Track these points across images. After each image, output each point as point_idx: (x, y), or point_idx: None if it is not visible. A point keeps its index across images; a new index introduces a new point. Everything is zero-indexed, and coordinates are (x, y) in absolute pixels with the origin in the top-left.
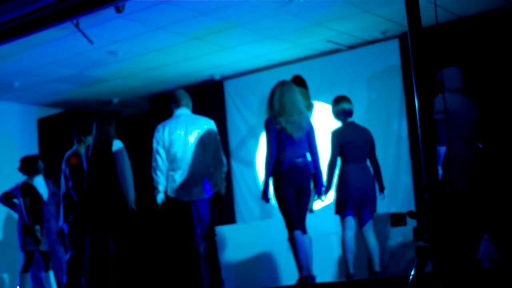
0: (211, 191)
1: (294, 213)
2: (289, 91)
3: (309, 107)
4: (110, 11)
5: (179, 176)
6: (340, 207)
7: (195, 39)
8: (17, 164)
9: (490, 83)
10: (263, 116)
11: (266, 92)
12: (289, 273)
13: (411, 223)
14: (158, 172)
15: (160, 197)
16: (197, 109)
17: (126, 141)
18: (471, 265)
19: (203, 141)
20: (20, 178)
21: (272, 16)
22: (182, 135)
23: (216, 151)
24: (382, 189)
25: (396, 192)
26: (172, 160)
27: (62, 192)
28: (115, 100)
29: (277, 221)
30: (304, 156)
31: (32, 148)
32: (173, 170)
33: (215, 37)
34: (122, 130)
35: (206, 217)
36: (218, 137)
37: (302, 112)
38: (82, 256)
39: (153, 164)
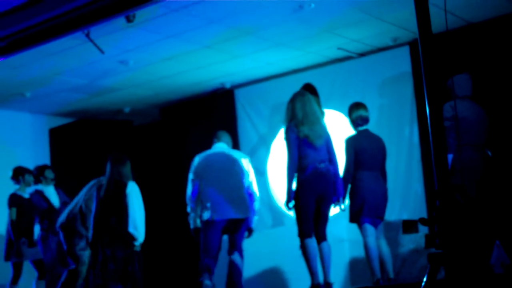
0: (242, 214)
1: (310, 223)
2: (309, 101)
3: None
4: (120, 20)
5: (211, 201)
6: (356, 214)
7: (205, 47)
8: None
9: (500, 90)
10: (274, 124)
11: (277, 100)
12: (301, 280)
13: (423, 230)
14: (192, 199)
15: (193, 222)
16: (208, 118)
17: (138, 150)
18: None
19: (236, 174)
20: (31, 187)
21: (283, 23)
22: (216, 166)
23: (249, 185)
24: (386, 198)
25: (408, 199)
26: (204, 188)
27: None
28: (127, 110)
29: (289, 229)
30: (325, 161)
31: (43, 157)
32: (206, 196)
33: (225, 45)
34: (134, 139)
35: (237, 236)
36: (253, 172)
37: (321, 121)
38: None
39: (187, 193)
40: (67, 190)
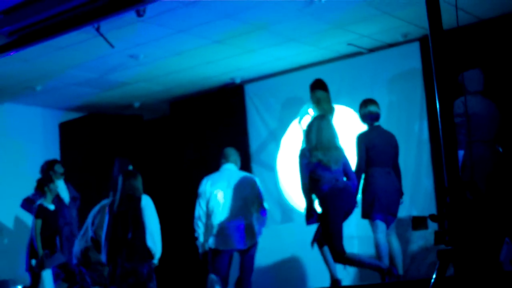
0: (249, 243)
1: (341, 240)
2: (327, 126)
3: (330, 110)
4: (131, 14)
5: (217, 227)
6: (368, 210)
7: (216, 42)
8: (39, 168)
9: (511, 86)
10: (284, 119)
11: (287, 95)
12: (310, 275)
13: (433, 226)
14: (199, 222)
15: (201, 246)
16: (218, 113)
17: (148, 145)
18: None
19: (244, 195)
20: None
21: (293, 18)
22: (223, 188)
23: (258, 206)
24: (401, 194)
25: (418, 196)
26: (211, 212)
27: (90, 234)
28: (137, 104)
29: (298, 224)
30: (341, 180)
31: (53, 152)
32: (212, 221)
33: (236, 40)
34: (143, 134)
35: (246, 266)
36: (262, 192)
37: (338, 147)
38: None
39: (195, 214)
40: (76, 184)
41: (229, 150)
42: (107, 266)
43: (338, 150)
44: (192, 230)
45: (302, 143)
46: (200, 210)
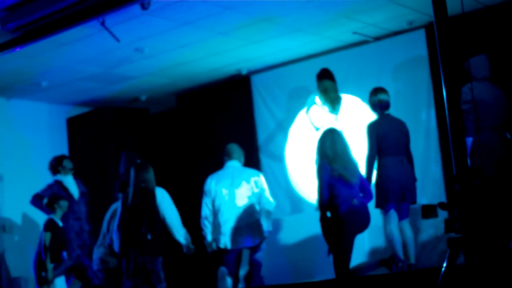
0: (257, 240)
1: (350, 254)
2: (339, 139)
3: (337, 100)
4: (135, 8)
5: (225, 225)
6: (381, 200)
7: (221, 34)
8: (47, 164)
9: None
10: (291, 110)
11: (294, 85)
12: (319, 267)
13: (443, 214)
14: (206, 222)
15: (209, 246)
16: (225, 105)
17: (155, 139)
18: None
19: (249, 192)
20: (50, 178)
21: (298, 9)
22: (228, 186)
23: (264, 202)
24: (414, 180)
25: (426, 184)
26: (218, 210)
27: (107, 240)
28: (143, 98)
29: (307, 215)
30: (359, 197)
31: (61, 147)
32: (219, 219)
33: (241, 32)
34: (150, 128)
35: (256, 261)
36: (267, 188)
37: (351, 158)
38: None
39: (202, 214)
40: (85, 178)
41: (232, 146)
42: (121, 259)
43: (354, 164)
44: (199, 225)
45: (316, 159)
46: (206, 209)
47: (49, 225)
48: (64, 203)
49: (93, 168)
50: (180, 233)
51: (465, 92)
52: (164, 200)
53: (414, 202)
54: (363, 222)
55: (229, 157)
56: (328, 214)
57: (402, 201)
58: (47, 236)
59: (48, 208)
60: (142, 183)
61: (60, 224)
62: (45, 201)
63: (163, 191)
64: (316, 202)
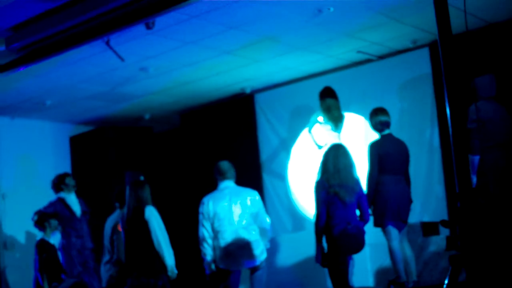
0: (258, 259)
1: (347, 275)
2: (343, 154)
3: (340, 118)
4: (140, 27)
5: (225, 247)
6: (380, 218)
7: (225, 53)
8: (50, 182)
9: None
10: (294, 128)
11: (297, 104)
12: (321, 284)
13: (444, 232)
14: (205, 244)
15: (208, 268)
16: (228, 123)
17: (159, 157)
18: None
19: (247, 212)
20: (53, 196)
21: (302, 28)
22: (226, 206)
23: (261, 221)
24: (410, 202)
25: (429, 202)
26: (217, 232)
27: (113, 257)
28: (147, 116)
29: (309, 233)
30: (354, 220)
31: (65, 166)
32: (219, 241)
33: (245, 51)
34: (154, 146)
35: (256, 281)
36: (263, 207)
37: (353, 175)
38: None
39: (200, 236)
40: (88, 197)
41: (224, 164)
42: (127, 280)
43: (355, 181)
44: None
45: (318, 174)
46: (204, 232)
47: (40, 247)
48: (54, 222)
49: (96, 187)
50: (165, 254)
51: (472, 111)
52: (151, 218)
53: (406, 222)
54: (355, 247)
55: (223, 176)
56: (324, 242)
57: (398, 220)
58: (42, 258)
59: (38, 226)
60: (136, 202)
61: (51, 241)
62: (35, 218)
63: (152, 209)
64: (313, 219)
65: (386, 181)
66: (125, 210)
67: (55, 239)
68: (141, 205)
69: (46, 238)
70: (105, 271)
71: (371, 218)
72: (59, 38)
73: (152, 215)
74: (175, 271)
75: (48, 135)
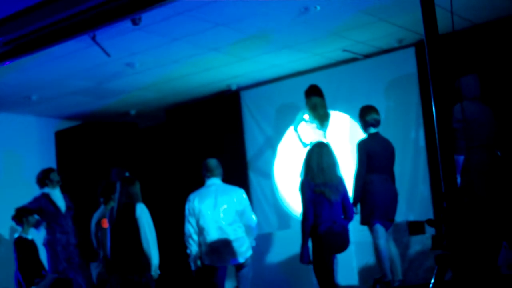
0: (243, 256)
1: (332, 273)
2: (326, 153)
3: (326, 116)
4: (126, 23)
5: (210, 243)
6: (367, 217)
7: (211, 50)
8: (35, 177)
9: (506, 90)
10: (280, 126)
11: (283, 102)
12: (306, 282)
13: (430, 231)
14: (190, 240)
15: (194, 264)
16: (214, 120)
17: (144, 153)
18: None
19: (233, 209)
20: (37, 191)
21: (289, 26)
22: (212, 203)
23: (247, 219)
24: (396, 200)
25: (414, 201)
26: (202, 229)
27: (100, 254)
28: (133, 112)
29: (295, 231)
30: (340, 218)
31: (50, 161)
32: (205, 237)
33: (232, 48)
34: (139, 142)
35: (243, 278)
36: (249, 205)
37: (337, 174)
38: None
39: (186, 232)
40: (74, 193)
41: (212, 162)
42: (110, 277)
43: (339, 179)
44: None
45: (301, 174)
46: (190, 228)
47: (18, 244)
48: (32, 219)
49: (81, 182)
50: (152, 253)
51: (457, 111)
52: (142, 216)
53: (392, 221)
54: (340, 245)
55: (211, 173)
56: (310, 244)
57: (385, 218)
58: (21, 257)
59: (16, 221)
60: (127, 198)
61: (29, 237)
62: (13, 213)
63: (143, 207)
64: (300, 218)
65: (374, 180)
66: (114, 206)
67: (34, 234)
68: (132, 201)
69: (24, 235)
70: (93, 268)
71: (357, 217)
72: (44, 32)
73: (143, 213)
74: (158, 272)
75: (34, 130)
